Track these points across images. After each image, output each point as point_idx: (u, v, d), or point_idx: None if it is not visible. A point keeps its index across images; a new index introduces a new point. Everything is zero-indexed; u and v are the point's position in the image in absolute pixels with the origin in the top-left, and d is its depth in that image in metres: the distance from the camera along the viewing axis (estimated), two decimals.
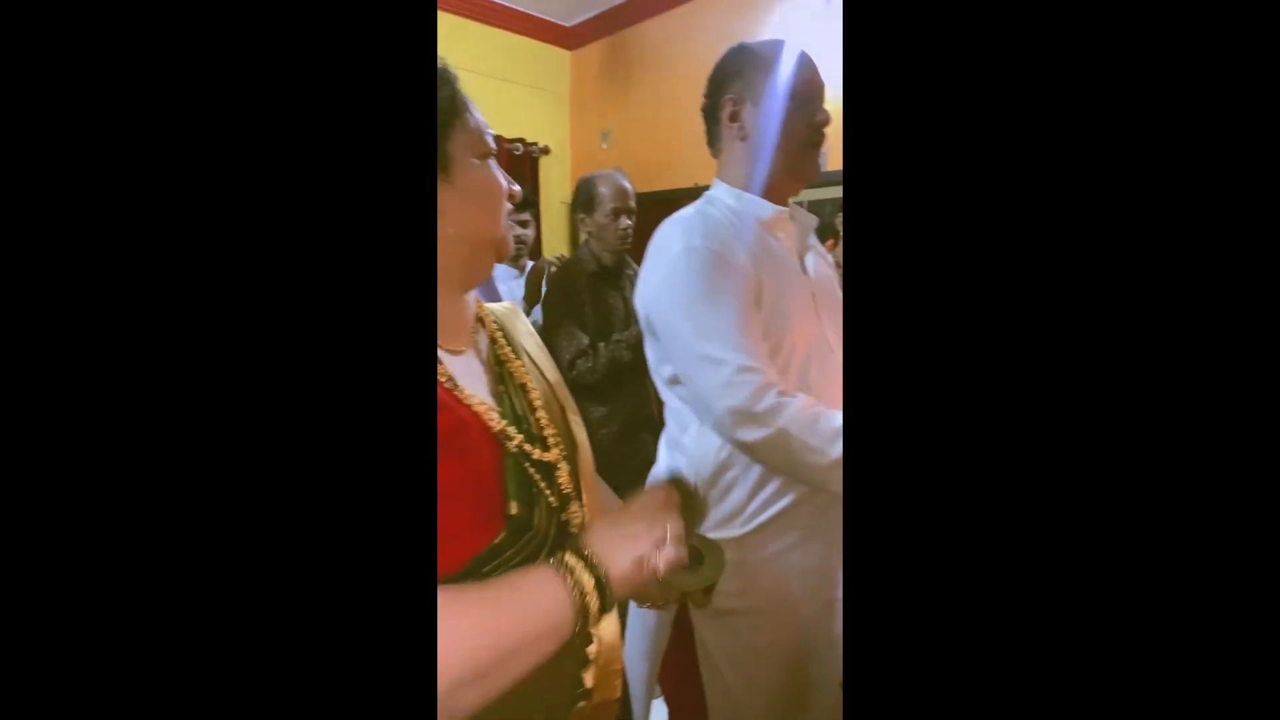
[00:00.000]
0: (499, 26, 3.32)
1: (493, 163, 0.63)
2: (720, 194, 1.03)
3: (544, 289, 2.00)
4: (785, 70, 0.97)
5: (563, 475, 0.65)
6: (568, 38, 3.57)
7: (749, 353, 0.88)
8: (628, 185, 1.88)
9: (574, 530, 0.64)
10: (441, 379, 0.61)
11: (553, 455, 0.65)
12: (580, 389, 1.73)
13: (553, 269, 2.03)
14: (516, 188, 0.65)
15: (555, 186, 3.64)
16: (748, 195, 1.01)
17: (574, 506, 0.66)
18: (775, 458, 0.88)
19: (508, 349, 0.72)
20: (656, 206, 3.15)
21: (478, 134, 0.61)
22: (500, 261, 0.68)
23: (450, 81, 0.59)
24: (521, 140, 3.44)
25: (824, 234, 1.92)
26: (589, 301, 1.83)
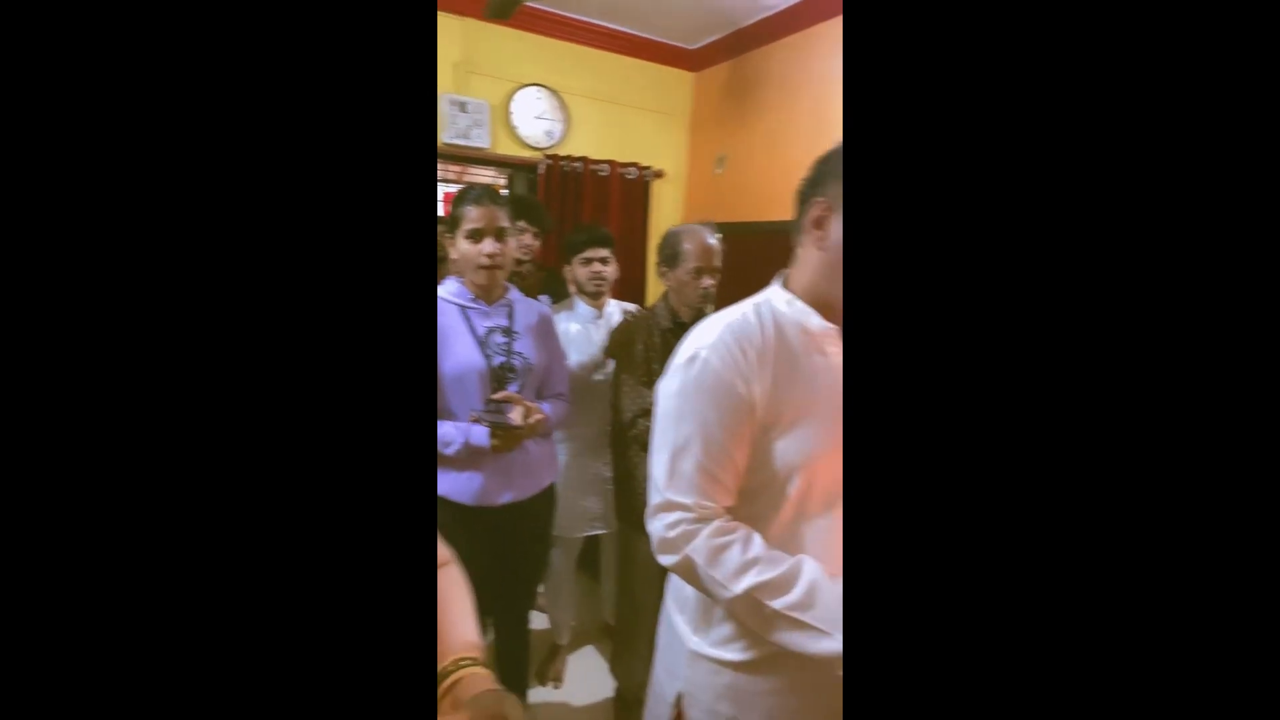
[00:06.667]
0: (623, 53, 3.38)
1: None
2: (774, 298, 0.94)
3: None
4: None
5: None
6: (692, 60, 3.58)
7: (692, 490, 0.88)
8: (713, 243, 1.82)
9: None
10: None
11: None
12: (641, 445, 1.73)
13: (628, 319, 1.97)
14: None
15: (667, 211, 3.64)
16: (799, 304, 0.91)
17: None
18: (691, 584, 0.90)
19: None
20: (762, 237, 3.04)
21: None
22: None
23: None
24: (635, 164, 3.47)
25: None
26: (658, 358, 1.78)
